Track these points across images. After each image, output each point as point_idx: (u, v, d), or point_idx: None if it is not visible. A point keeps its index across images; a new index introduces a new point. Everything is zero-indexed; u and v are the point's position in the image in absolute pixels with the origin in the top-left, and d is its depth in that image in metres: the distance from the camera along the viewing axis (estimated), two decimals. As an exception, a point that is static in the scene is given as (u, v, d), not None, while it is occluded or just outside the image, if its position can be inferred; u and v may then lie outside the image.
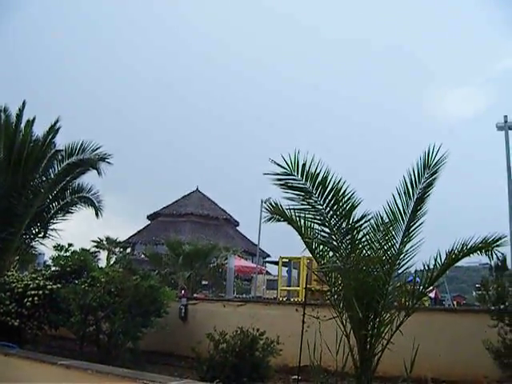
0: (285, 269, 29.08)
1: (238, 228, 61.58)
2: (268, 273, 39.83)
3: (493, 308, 8.62)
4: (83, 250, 17.08)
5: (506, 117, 25.16)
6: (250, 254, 48.70)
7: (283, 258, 28.02)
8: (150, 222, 59.56)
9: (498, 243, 8.73)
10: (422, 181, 8.64)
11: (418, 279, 9.16)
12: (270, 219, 9.45)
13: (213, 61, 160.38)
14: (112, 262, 38.02)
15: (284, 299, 24.13)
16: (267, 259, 46.52)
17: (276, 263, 30.79)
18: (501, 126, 25.16)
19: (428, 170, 8.58)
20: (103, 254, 54.26)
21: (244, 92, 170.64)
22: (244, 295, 31.53)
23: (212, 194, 61.10)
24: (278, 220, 9.31)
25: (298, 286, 25.00)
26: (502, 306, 8.50)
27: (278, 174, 8.33)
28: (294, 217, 9.04)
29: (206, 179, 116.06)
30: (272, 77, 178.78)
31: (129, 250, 55.88)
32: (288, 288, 27.37)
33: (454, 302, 38.88)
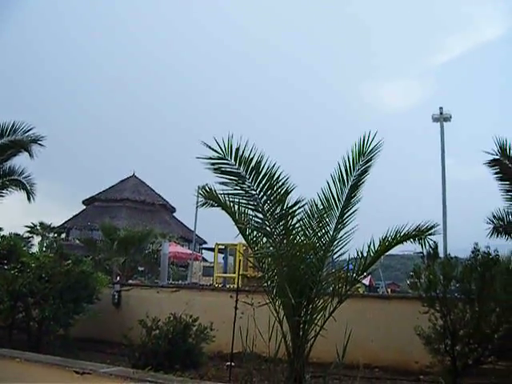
0: (221, 255, 29.01)
1: (174, 214, 61.24)
2: (204, 259, 39.75)
3: (424, 295, 8.70)
4: (13, 234, 16.68)
5: (441, 108, 25.60)
6: (186, 241, 48.54)
7: (219, 244, 27.92)
8: (85, 207, 58.75)
9: (430, 231, 8.83)
10: (357, 168, 8.65)
11: (351, 266, 9.18)
12: (203, 204, 9.35)
13: (147, 46, 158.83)
14: (43, 248, 37.41)
15: (220, 286, 24.10)
16: (204, 246, 46.39)
17: (212, 250, 30.67)
18: (436, 118, 25.58)
19: (363, 158, 8.59)
20: (37, 240, 53.43)
21: (182, 77, 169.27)
22: (180, 282, 31.35)
23: (149, 179, 60.66)
24: (212, 205, 9.22)
25: (234, 273, 24.97)
26: (433, 293, 8.59)
27: (211, 159, 8.21)
28: (228, 202, 8.95)
29: (143, 164, 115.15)
30: (210, 62, 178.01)
31: (63, 236, 55.04)
32: (224, 275, 27.31)
33: (388, 290, 39.58)
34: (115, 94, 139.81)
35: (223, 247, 28.10)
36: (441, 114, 25.36)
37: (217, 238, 28.08)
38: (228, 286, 22.56)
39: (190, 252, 33.97)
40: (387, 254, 9.41)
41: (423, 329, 8.72)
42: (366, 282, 31.79)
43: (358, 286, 14.89)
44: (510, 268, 8.67)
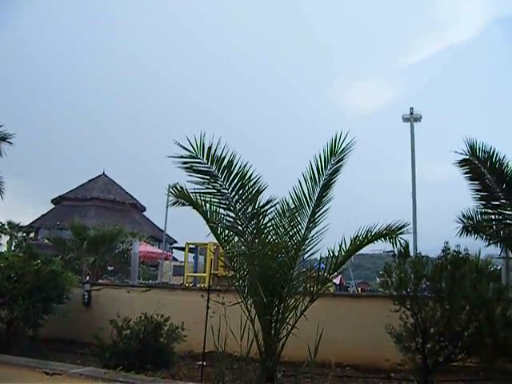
0: (192, 255, 28.91)
1: (144, 213, 60.97)
2: (175, 259, 39.62)
3: (395, 293, 8.76)
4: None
5: (411, 109, 25.78)
6: (156, 240, 48.32)
7: (190, 243, 27.78)
8: (54, 206, 58.23)
9: (401, 230, 8.89)
10: (329, 167, 8.67)
11: (322, 265, 9.21)
12: (175, 203, 9.33)
13: (122, 44, 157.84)
14: (12, 247, 36.98)
15: (191, 285, 24.02)
16: (174, 245, 46.26)
17: (183, 249, 30.53)
18: (406, 118, 25.76)
19: (334, 157, 8.62)
20: (5, 239, 52.79)
21: (154, 76, 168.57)
22: (150, 281, 31.22)
23: (119, 178, 60.29)
24: (184, 204, 9.19)
25: (205, 272, 24.92)
26: (403, 292, 8.64)
27: (183, 158, 8.18)
28: (199, 201, 8.93)
29: (113, 163, 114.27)
30: (183, 61, 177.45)
31: (32, 235, 54.49)
32: (194, 274, 27.20)
33: (359, 289, 39.82)
34: (85, 92, 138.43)
35: (194, 246, 27.99)
36: (411, 114, 25.53)
37: (187, 238, 27.97)
38: (199, 286, 22.49)
39: (161, 251, 33.86)
40: (357, 253, 9.47)
41: (394, 327, 8.77)
42: (337, 281, 31.95)
43: (329, 285, 14.96)
44: (480, 266, 8.77)
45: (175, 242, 48.61)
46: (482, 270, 8.75)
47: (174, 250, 43.83)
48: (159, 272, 32.00)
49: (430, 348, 8.51)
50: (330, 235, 9.20)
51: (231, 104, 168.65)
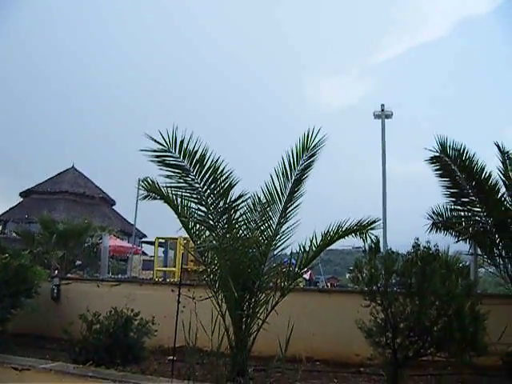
0: (161, 249, 28.83)
1: (114, 207, 60.62)
2: (144, 253, 39.49)
3: (366, 289, 8.79)
4: None
5: (382, 105, 25.91)
6: (126, 234, 48.02)
7: (159, 238, 27.71)
8: (22, 199, 57.62)
9: (372, 226, 8.99)
10: (301, 163, 8.71)
11: (293, 260, 9.23)
12: (146, 197, 9.29)
13: (92, 35, 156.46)
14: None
15: (160, 280, 23.93)
16: (143, 239, 46.07)
17: (152, 243, 30.44)
18: (378, 115, 25.88)
19: (307, 153, 8.66)
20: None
21: (125, 70, 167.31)
22: (120, 275, 31.01)
23: (88, 172, 59.78)
24: (154, 198, 9.16)
25: (175, 267, 24.87)
26: (374, 287, 8.68)
27: (155, 151, 8.14)
28: (170, 195, 8.91)
29: (82, 157, 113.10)
30: (156, 53, 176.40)
31: (0, 228, 53.87)
32: (164, 268, 27.12)
33: (328, 284, 40.04)
34: (54, 83, 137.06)
35: (163, 241, 27.94)
36: (382, 110, 25.66)
37: (157, 232, 27.91)
38: (168, 280, 22.44)
39: (130, 246, 33.66)
40: (327, 248, 9.50)
41: (364, 322, 8.81)
42: (307, 276, 32.05)
43: (299, 280, 14.98)
44: (449, 263, 8.82)
45: (145, 236, 48.40)
46: (452, 266, 8.79)
47: (143, 244, 43.72)
48: (128, 266, 31.81)
49: (400, 343, 8.55)
50: (302, 230, 9.24)
51: (206, 97, 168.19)
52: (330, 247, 9.57)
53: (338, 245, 9.83)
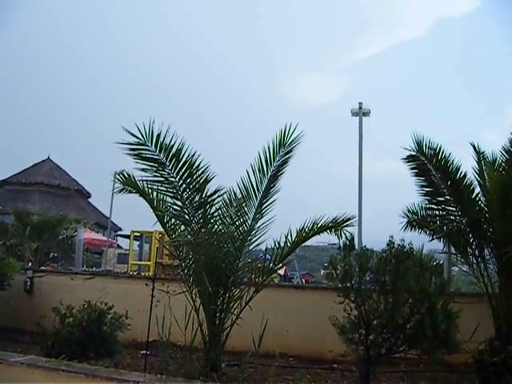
0: (137, 243, 28.74)
1: (89, 200, 60.13)
2: (119, 246, 39.30)
3: (340, 285, 8.82)
4: None
5: (360, 103, 26.00)
6: (101, 227, 47.69)
7: (135, 231, 27.60)
8: (-4, 190, 57.05)
9: (347, 223, 9.05)
10: (277, 159, 8.74)
11: (268, 256, 9.25)
12: (121, 191, 9.25)
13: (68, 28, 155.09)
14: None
15: (135, 273, 23.84)
16: (119, 233, 45.76)
17: (128, 237, 30.31)
18: (355, 112, 25.96)
19: (283, 149, 8.68)
20: None
21: (104, 62, 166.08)
22: (94, 269, 30.83)
23: (64, 163, 59.17)
24: (130, 192, 9.13)
25: (150, 261, 24.80)
26: (348, 284, 8.71)
27: (131, 144, 8.11)
28: (146, 189, 8.88)
29: (58, 148, 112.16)
30: (140, 47, 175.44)
31: (-28, 219, 53.32)
32: (139, 262, 27.05)
33: (303, 280, 40.12)
34: (30, 74, 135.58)
35: (139, 234, 27.85)
36: (360, 108, 25.74)
37: (133, 225, 27.80)
38: (143, 274, 22.35)
39: (105, 239, 33.49)
40: (303, 244, 9.54)
41: (338, 319, 8.84)
42: (282, 272, 32.15)
43: (274, 275, 14.99)
44: (423, 261, 8.88)
45: (120, 229, 48.11)
46: (425, 264, 8.85)
47: (119, 237, 43.49)
48: (103, 259, 31.66)
49: (373, 340, 8.58)
50: (279, 227, 9.26)
51: (188, 90, 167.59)
52: (306, 243, 9.62)
53: (314, 241, 9.89)
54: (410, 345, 8.49)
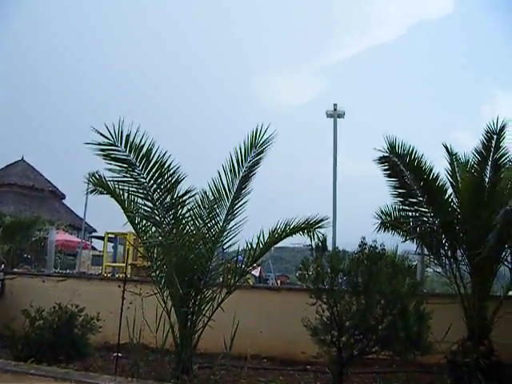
0: (111, 244, 28.55)
1: (64, 201, 59.71)
2: (94, 248, 39.01)
3: (312, 287, 8.81)
4: None
5: (335, 105, 26.01)
6: (76, 229, 47.35)
7: (109, 233, 27.42)
8: (-31, 191, 56.47)
9: (319, 224, 9.06)
10: (249, 160, 8.73)
11: (240, 257, 9.22)
12: (92, 192, 9.18)
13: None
14: None
15: (109, 275, 23.69)
16: (93, 234, 45.46)
17: (102, 238, 30.11)
18: (330, 114, 25.96)
19: (255, 150, 8.67)
20: None
21: (74, 60, 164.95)
22: (68, 270, 30.61)
23: (38, 164, 58.64)
24: (102, 193, 9.04)
25: (124, 262, 24.67)
26: (320, 285, 8.70)
27: (100, 145, 8.02)
28: (117, 190, 8.80)
29: (32, 149, 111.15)
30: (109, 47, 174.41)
31: None
32: (113, 264, 26.85)
33: (278, 281, 40.03)
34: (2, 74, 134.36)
35: (113, 236, 27.66)
36: (335, 110, 25.72)
37: (108, 227, 27.57)
38: (117, 276, 22.22)
39: (79, 240, 33.25)
40: (278, 246, 9.54)
41: (310, 320, 8.83)
42: (256, 273, 32.02)
43: (247, 277, 14.95)
44: (396, 262, 8.89)
45: (95, 230, 47.79)
46: (398, 265, 8.86)
47: (93, 239, 43.20)
48: (77, 261, 31.44)
49: (345, 341, 8.58)
50: (252, 228, 9.24)
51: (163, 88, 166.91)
52: (281, 245, 9.63)
53: (289, 242, 9.88)
54: (382, 346, 8.51)
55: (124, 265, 24.25)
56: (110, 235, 27.59)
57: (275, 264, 49.22)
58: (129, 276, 16.84)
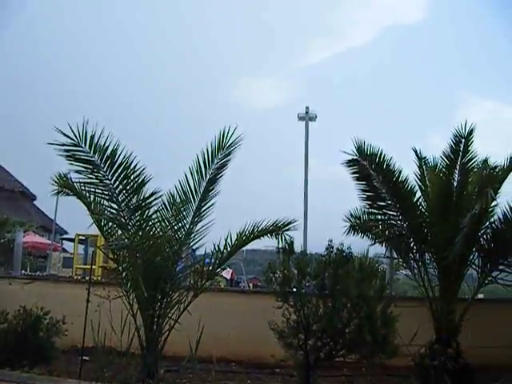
0: (82, 246, 28.33)
1: (35, 202, 59.06)
2: (65, 250, 38.67)
3: (279, 290, 8.79)
4: None
5: (307, 108, 26.10)
6: (47, 231, 46.87)
7: (80, 235, 27.21)
8: None
9: (287, 227, 9.03)
10: (216, 161, 8.68)
11: (206, 260, 9.17)
12: (58, 193, 9.06)
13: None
14: None
15: (79, 278, 23.51)
16: (64, 236, 45.01)
17: (73, 240, 29.88)
18: (302, 117, 26.02)
19: (222, 151, 8.63)
20: None
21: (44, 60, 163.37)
22: (39, 273, 30.31)
23: (7, 164, 57.89)
24: (68, 194, 8.93)
25: (94, 265, 24.48)
26: (287, 288, 8.69)
27: (64, 145, 7.91)
28: (83, 191, 8.69)
29: (2, 148, 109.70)
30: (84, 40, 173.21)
31: None
32: (84, 266, 26.66)
33: (250, 284, 39.97)
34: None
35: (84, 238, 27.47)
36: (306, 113, 25.81)
37: (80, 229, 27.34)
38: (87, 278, 22.06)
39: (49, 242, 32.94)
40: (250, 248, 9.53)
41: (277, 323, 8.79)
42: (228, 275, 31.93)
43: (219, 279, 14.89)
44: (364, 265, 8.89)
45: (66, 232, 47.36)
46: (365, 268, 8.86)
47: (64, 241, 42.82)
48: (48, 263, 31.15)
49: (312, 344, 8.57)
50: (221, 230, 9.18)
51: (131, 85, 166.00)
52: (253, 247, 9.63)
53: (262, 245, 9.85)
54: (349, 349, 8.52)
55: (95, 267, 24.18)
56: (80, 237, 27.39)
57: (248, 267, 49.11)
58: (100, 278, 16.72)
